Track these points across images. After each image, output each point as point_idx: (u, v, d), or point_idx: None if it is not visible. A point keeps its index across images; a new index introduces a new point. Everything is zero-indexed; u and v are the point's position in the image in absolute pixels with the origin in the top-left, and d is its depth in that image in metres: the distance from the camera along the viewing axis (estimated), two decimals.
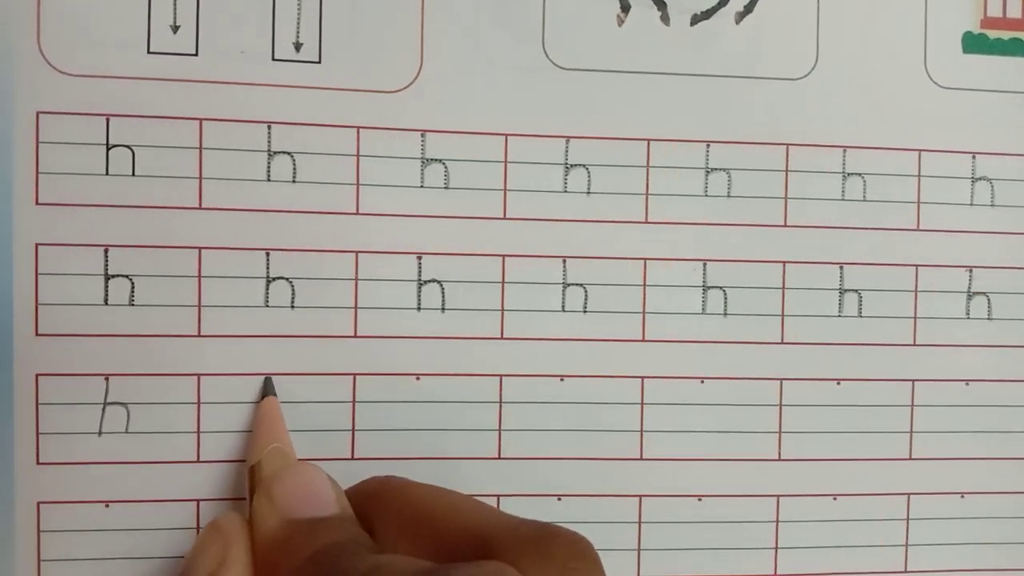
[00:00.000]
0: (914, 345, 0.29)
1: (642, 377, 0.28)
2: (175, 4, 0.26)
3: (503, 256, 0.28)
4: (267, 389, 0.26)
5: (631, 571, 0.28)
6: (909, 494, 0.29)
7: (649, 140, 0.28)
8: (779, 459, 0.29)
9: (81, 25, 0.26)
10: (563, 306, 0.28)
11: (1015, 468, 0.30)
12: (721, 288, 0.28)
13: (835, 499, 0.29)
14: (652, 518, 0.28)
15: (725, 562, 0.29)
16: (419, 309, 0.27)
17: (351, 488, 0.24)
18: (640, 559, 0.28)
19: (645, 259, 0.28)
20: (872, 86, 0.29)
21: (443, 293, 0.27)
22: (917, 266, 0.29)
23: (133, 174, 0.26)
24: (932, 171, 0.29)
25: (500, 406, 0.28)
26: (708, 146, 0.28)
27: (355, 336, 0.27)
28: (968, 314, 0.30)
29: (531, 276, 0.28)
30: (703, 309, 0.28)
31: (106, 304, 0.26)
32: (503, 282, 0.28)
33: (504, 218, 0.28)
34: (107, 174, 0.26)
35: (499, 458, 0.28)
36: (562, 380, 0.28)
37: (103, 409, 0.26)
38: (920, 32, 0.29)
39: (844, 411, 0.29)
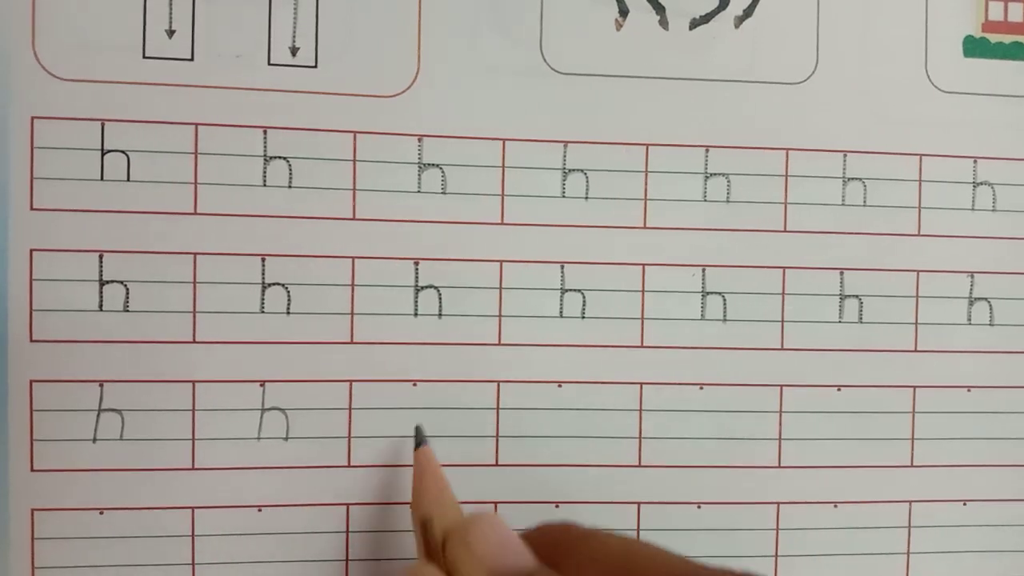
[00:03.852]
0: (915, 351, 0.29)
1: (640, 383, 0.28)
2: (171, 9, 0.26)
3: (500, 261, 0.27)
4: (419, 439, 0.26)
5: None
6: (911, 501, 0.29)
7: (648, 145, 0.28)
8: (779, 466, 0.29)
9: (76, 30, 0.26)
10: (561, 312, 0.28)
11: (1017, 475, 0.30)
12: (720, 294, 0.28)
13: (836, 506, 0.29)
14: (651, 525, 0.28)
15: None
16: (416, 315, 0.27)
17: (525, 534, 0.23)
18: None
19: (643, 264, 0.28)
20: (872, 90, 0.29)
21: (440, 299, 0.27)
22: (918, 271, 0.29)
23: (128, 179, 0.26)
24: (933, 176, 0.29)
25: (497, 412, 0.27)
26: (707, 151, 0.28)
27: (351, 342, 0.27)
28: (969, 320, 0.29)
29: (529, 282, 0.28)
30: (702, 315, 0.28)
31: (101, 310, 0.26)
32: (500, 288, 0.27)
33: (502, 223, 0.27)
34: (102, 179, 0.26)
35: (497, 464, 0.27)
36: (560, 386, 0.28)
37: (97, 415, 0.26)
38: (921, 36, 0.29)
39: (845, 417, 0.29)
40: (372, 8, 0.27)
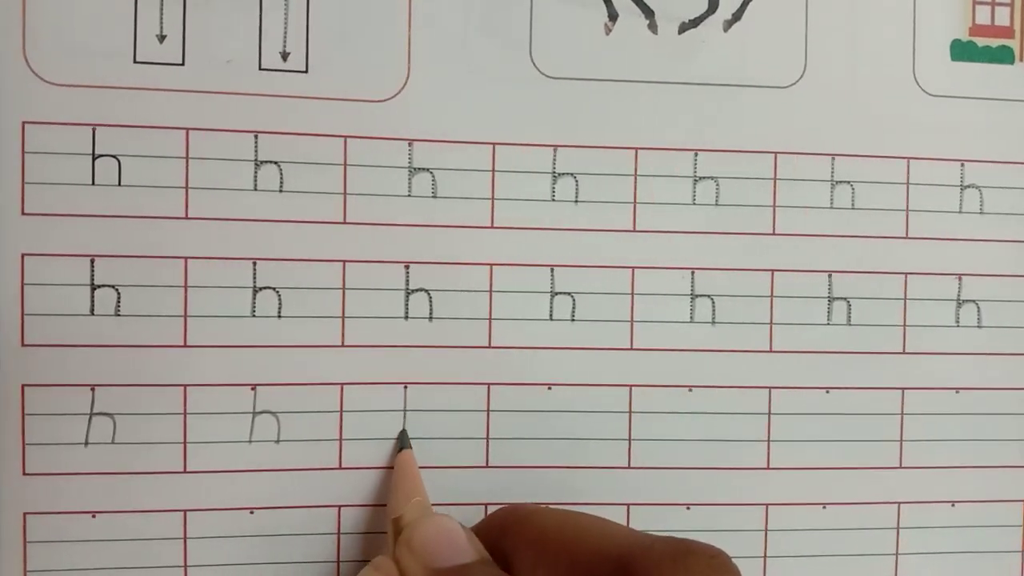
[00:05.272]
0: (903, 353, 0.29)
1: (630, 386, 0.28)
2: (161, 14, 0.26)
3: (491, 265, 0.28)
4: (403, 442, 0.27)
5: None
6: (899, 503, 0.29)
7: (637, 149, 0.28)
8: (768, 468, 0.29)
9: (67, 35, 0.26)
10: (551, 315, 0.28)
11: (1005, 476, 0.30)
12: (709, 296, 0.28)
13: (824, 508, 0.29)
14: (640, 526, 0.28)
15: None
16: (407, 318, 0.27)
17: (479, 525, 0.24)
18: None
19: (633, 268, 0.28)
20: (860, 94, 0.29)
21: (431, 302, 0.27)
22: (906, 274, 0.29)
23: (119, 184, 0.26)
24: (921, 179, 0.29)
25: (488, 415, 0.28)
26: (696, 155, 0.28)
27: (343, 346, 0.27)
28: (958, 322, 0.29)
29: (519, 285, 0.28)
30: (691, 318, 0.28)
31: (92, 314, 0.26)
32: (491, 291, 0.28)
33: (492, 227, 0.28)
34: (93, 184, 0.26)
35: (487, 467, 0.28)
36: (550, 389, 0.28)
37: (89, 420, 0.26)
38: (909, 40, 0.29)
39: (833, 419, 0.29)
40: (362, 14, 0.27)
